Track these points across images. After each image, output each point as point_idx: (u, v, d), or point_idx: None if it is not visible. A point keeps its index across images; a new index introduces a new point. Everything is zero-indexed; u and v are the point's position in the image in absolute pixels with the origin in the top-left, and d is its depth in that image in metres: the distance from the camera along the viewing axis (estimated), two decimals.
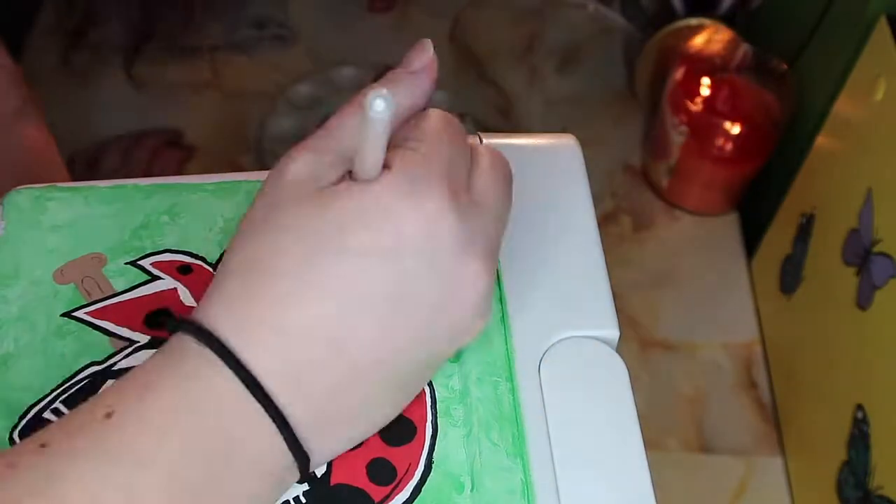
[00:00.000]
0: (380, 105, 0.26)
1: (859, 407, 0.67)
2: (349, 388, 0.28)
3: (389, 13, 1.10)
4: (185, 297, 0.35)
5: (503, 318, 0.35)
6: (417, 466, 0.32)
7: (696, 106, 0.87)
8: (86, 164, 0.95)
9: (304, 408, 0.28)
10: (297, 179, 0.29)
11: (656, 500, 0.32)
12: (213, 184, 0.39)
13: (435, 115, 0.30)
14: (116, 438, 0.25)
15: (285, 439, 0.27)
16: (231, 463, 0.27)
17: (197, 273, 0.36)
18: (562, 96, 1.03)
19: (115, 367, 0.33)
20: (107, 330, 0.35)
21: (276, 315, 0.27)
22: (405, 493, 0.31)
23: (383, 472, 0.32)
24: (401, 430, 0.32)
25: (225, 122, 0.97)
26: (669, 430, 0.81)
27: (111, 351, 0.34)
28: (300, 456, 0.28)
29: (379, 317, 0.28)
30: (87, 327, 0.35)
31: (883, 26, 0.68)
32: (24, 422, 0.32)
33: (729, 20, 0.93)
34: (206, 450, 0.26)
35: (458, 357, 0.34)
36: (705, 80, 0.88)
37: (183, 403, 0.26)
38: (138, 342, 0.34)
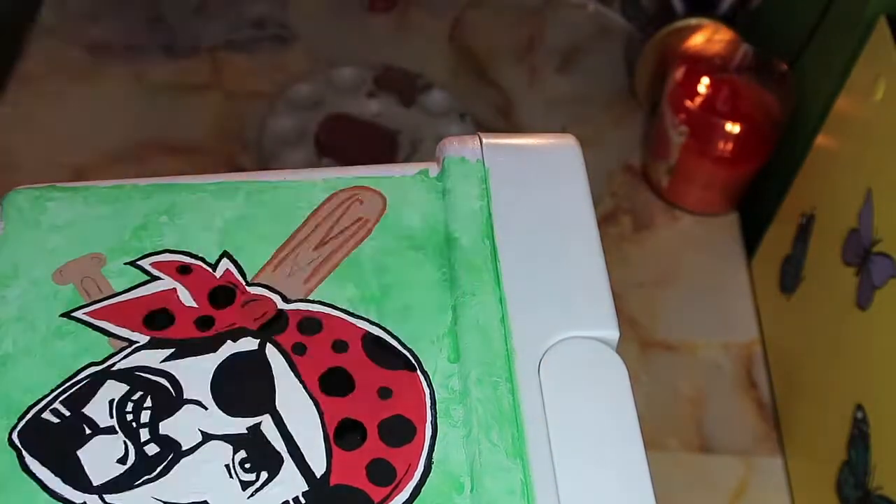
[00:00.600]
0: None
1: (859, 407, 0.67)
2: None
3: (390, 13, 1.10)
4: (185, 297, 0.35)
5: (503, 318, 0.35)
6: (417, 467, 0.32)
7: (695, 106, 0.87)
8: (86, 164, 0.95)
9: None
10: None
11: (656, 500, 0.32)
12: (213, 184, 0.39)
13: None
14: None
15: None
16: None
17: (196, 273, 0.36)
18: (562, 96, 1.03)
19: (114, 368, 0.34)
20: (106, 330, 0.34)
21: None
22: (405, 494, 0.31)
23: (383, 473, 0.31)
24: (401, 431, 0.32)
25: (225, 122, 0.97)
26: (669, 430, 0.81)
27: (111, 351, 0.34)
28: None
29: None
30: (86, 328, 0.35)
31: (883, 26, 0.68)
32: (23, 422, 0.32)
33: (729, 20, 0.93)
34: None
35: (457, 357, 0.34)
36: (705, 80, 0.88)
37: None
38: (138, 342, 0.34)
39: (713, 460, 0.80)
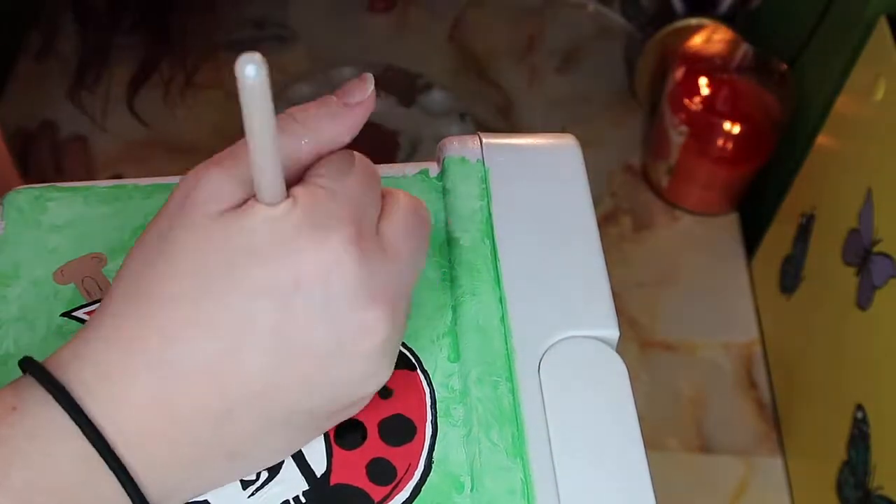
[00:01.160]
0: (251, 71, 0.24)
1: (859, 407, 0.67)
2: (227, 423, 0.27)
3: (390, 13, 1.10)
4: None
5: (503, 317, 0.35)
6: (417, 466, 0.32)
7: (695, 106, 0.87)
8: (85, 163, 0.95)
9: (168, 452, 0.27)
10: (200, 199, 0.27)
11: (656, 500, 0.32)
12: None
13: (348, 155, 0.29)
14: None
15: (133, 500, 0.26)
16: None
17: None
18: (562, 96, 1.03)
19: None
20: None
21: (157, 349, 0.26)
22: (405, 493, 0.31)
23: (383, 472, 0.32)
24: (401, 431, 0.32)
25: (225, 122, 0.97)
26: (669, 431, 0.81)
27: None
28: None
29: (265, 354, 0.26)
30: None
31: (883, 26, 0.68)
32: None
33: (729, 20, 0.93)
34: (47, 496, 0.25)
35: (457, 357, 0.34)
36: (705, 80, 0.88)
37: (21, 461, 0.25)
38: None
39: (713, 460, 0.80)
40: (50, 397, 0.26)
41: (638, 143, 1.00)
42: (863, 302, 0.67)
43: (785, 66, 0.85)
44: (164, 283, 0.26)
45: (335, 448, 0.32)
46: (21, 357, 0.27)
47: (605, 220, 0.93)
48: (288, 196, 0.27)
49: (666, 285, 0.90)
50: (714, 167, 0.90)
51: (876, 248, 0.66)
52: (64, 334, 0.34)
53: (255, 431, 0.28)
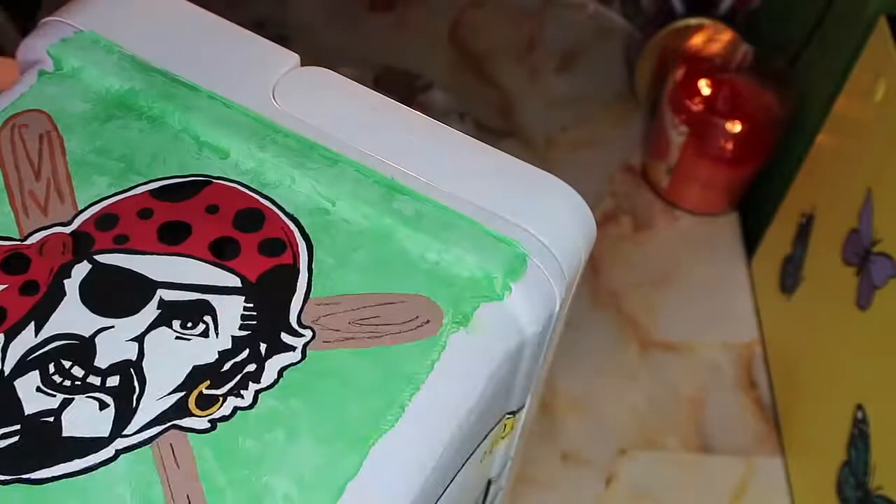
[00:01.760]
0: None
1: (859, 407, 0.67)
2: None
3: (390, 13, 1.10)
4: None
5: None
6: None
7: (696, 106, 0.87)
8: None
9: None
10: None
11: None
12: None
13: None
14: None
15: None
16: None
17: None
18: (562, 96, 1.03)
19: (5, 373, 0.34)
20: None
21: None
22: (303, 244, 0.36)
23: (273, 247, 0.36)
24: (250, 217, 0.37)
25: None
26: (669, 430, 0.81)
27: None
28: None
29: None
30: None
31: (883, 26, 0.68)
32: None
33: (729, 20, 0.93)
34: None
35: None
36: (705, 80, 0.88)
37: None
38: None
39: (713, 460, 0.80)
40: None
41: (638, 143, 1.00)
42: (863, 302, 0.67)
43: (785, 66, 0.85)
44: None
45: (227, 264, 0.35)
46: None
47: (605, 220, 0.93)
48: None
49: (666, 285, 0.90)
50: (714, 167, 0.90)
51: (876, 248, 0.66)
52: None
53: None
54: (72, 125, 0.39)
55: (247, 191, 0.38)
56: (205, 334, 0.34)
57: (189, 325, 0.34)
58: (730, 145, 0.88)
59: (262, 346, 0.33)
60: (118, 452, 0.30)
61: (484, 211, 0.38)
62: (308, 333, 0.34)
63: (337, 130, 0.40)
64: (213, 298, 0.35)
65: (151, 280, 0.35)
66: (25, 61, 0.41)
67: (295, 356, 0.33)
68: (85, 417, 0.31)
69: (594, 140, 0.99)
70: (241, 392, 0.32)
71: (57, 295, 0.35)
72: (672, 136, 0.90)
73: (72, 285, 0.35)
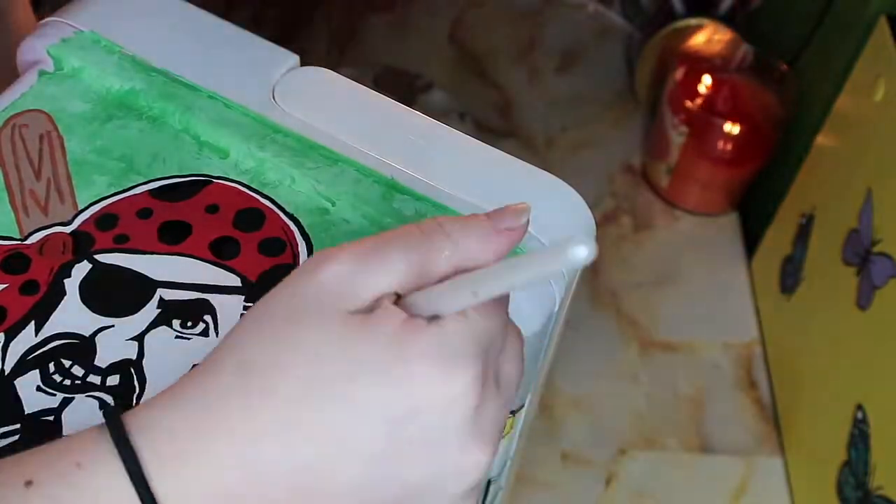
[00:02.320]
0: (582, 252, 0.22)
1: (859, 407, 0.67)
2: None
3: (390, 13, 1.10)
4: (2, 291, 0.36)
5: None
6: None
7: (695, 106, 0.87)
8: None
9: None
10: (328, 289, 0.26)
11: None
12: None
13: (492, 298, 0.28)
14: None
15: None
16: None
17: None
18: (562, 96, 1.03)
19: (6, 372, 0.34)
20: None
21: (245, 442, 0.24)
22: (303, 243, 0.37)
23: (272, 247, 0.36)
24: (251, 217, 0.38)
25: None
26: (669, 430, 0.81)
27: None
28: None
29: (359, 475, 0.25)
30: None
31: (883, 26, 0.68)
32: None
33: (729, 20, 0.93)
34: None
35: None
36: (705, 80, 0.88)
37: None
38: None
39: (713, 460, 0.80)
40: (119, 465, 0.24)
41: (638, 143, 1.00)
42: (863, 302, 0.67)
43: (785, 67, 0.85)
44: (275, 374, 0.25)
45: (226, 263, 0.36)
46: None
47: (605, 220, 0.93)
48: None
49: (666, 285, 0.90)
50: (714, 167, 0.90)
51: (876, 248, 0.66)
52: None
53: None
54: (72, 125, 0.39)
55: (247, 190, 0.38)
56: (205, 333, 0.34)
57: (189, 324, 0.34)
58: (729, 145, 0.88)
59: None
60: None
61: (483, 211, 0.38)
62: None
63: (337, 130, 0.40)
64: (213, 298, 0.35)
65: (151, 279, 0.35)
66: (25, 61, 0.42)
67: None
68: (85, 416, 0.31)
69: (594, 140, 0.99)
70: None
71: (57, 294, 0.35)
72: (672, 136, 0.90)
73: (72, 285, 0.35)
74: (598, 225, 0.38)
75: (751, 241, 0.92)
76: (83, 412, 0.32)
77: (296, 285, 0.26)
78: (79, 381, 0.33)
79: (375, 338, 0.25)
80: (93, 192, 0.38)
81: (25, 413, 0.32)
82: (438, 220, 0.27)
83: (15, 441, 0.31)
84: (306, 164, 0.39)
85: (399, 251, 0.26)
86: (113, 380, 0.33)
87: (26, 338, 0.34)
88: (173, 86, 0.41)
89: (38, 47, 0.41)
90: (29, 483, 0.24)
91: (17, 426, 0.32)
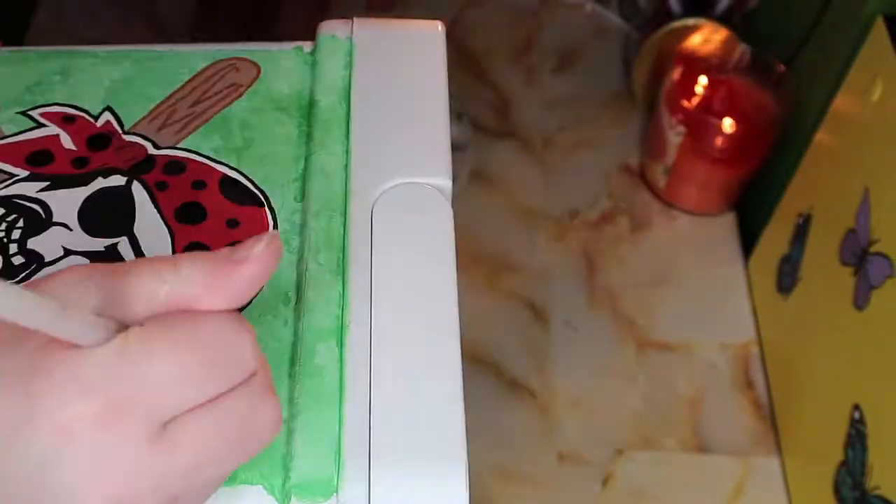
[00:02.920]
0: None
1: (856, 407, 0.67)
2: None
3: (388, 13, 1.10)
4: (66, 141, 0.40)
5: (346, 166, 0.39)
6: None
7: (692, 106, 0.87)
8: None
9: None
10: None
11: (459, 330, 0.34)
12: (105, 51, 0.44)
13: (186, 326, 0.25)
14: None
15: None
16: None
17: (79, 122, 0.41)
18: (559, 96, 1.03)
19: None
20: None
21: None
22: None
23: None
24: None
25: None
26: (666, 430, 0.81)
27: None
28: None
29: None
30: None
31: (880, 27, 0.68)
32: None
33: (726, 20, 0.93)
34: None
35: (302, 198, 0.39)
36: (702, 80, 0.88)
37: None
38: (18, 175, 0.39)
39: (710, 460, 0.80)
40: None
41: (635, 143, 1.00)
42: (860, 302, 0.67)
43: (782, 67, 0.85)
44: None
45: None
46: None
47: (603, 220, 0.93)
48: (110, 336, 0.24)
49: (663, 285, 0.90)
50: (711, 167, 0.90)
51: (873, 248, 0.66)
52: None
53: None
54: (261, 94, 0.42)
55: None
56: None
57: None
58: (727, 145, 0.88)
59: None
60: None
61: None
62: None
63: None
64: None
65: (130, 228, 0.38)
66: (322, 35, 0.44)
67: None
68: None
69: (591, 140, 0.99)
70: None
71: (82, 181, 0.39)
72: (669, 136, 0.90)
73: (95, 185, 0.39)
74: (595, 225, 0.39)
75: (748, 242, 0.92)
76: None
77: None
78: (3, 240, 0.37)
79: (18, 353, 0.24)
80: (203, 145, 0.40)
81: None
82: (177, 256, 0.26)
83: None
84: None
85: (105, 276, 0.25)
86: (18, 259, 0.36)
87: (29, 187, 0.38)
88: None
89: (325, 30, 0.44)
90: None
91: None
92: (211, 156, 0.40)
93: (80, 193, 0.38)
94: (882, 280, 0.64)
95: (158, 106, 0.41)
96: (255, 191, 0.39)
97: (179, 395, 0.25)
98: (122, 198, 0.38)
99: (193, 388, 0.25)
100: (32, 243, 0.36)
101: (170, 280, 0.25)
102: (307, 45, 0.44)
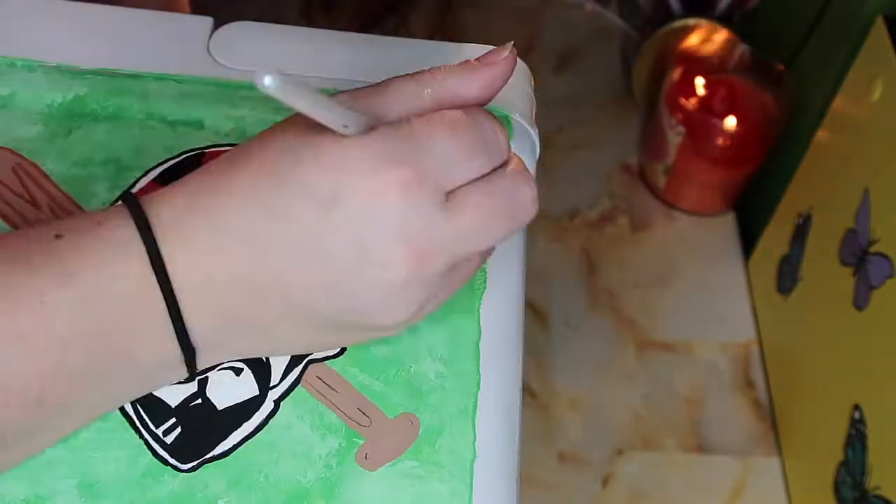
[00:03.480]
0: (266, 80, 0.25)
1: (856, 407, 0.67)
2: (257, 297, 0.29)
3: (387, 13, 1.10)
4: None
5: None
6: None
7: (692, 106, 0.87)
8: None
9: (209, 318, 0.29)
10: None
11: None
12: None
13: (457, 114, 0.30)
14: (58, 258, 0.28)
15: (181, 347, 0.29)
16: (118, 347, 0.29)
17: None
18: (559, 96, 1.03)
19: None
20: None
21: (218, 213, 0.29)
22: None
23: None
24: None
25: None
26: (666, 431, 0.81)
27: None
28: (188, 356, 0.30)
29: (292, 246, 0.29)
30: None
31: (880, 27, 0.68)
32: None
33: (726, 20, 0.93)
34: (99, 318, 0.28)
35: None
36: (702, 81, 0.88)
37: (93, 275, 0.28)
38: None
39: (710, 460, 0.80)
40: (131, 221, 0.28)
41: (635, 143, 1.00)
42: (860, 302, 0.67)
43: (782, 67, 0.85)
44: (250, 164, 0.29)
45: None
46: None
47: (603, 221, 0.93)
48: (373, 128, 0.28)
49: (663, 285, 0.90)
50: (711, 167, 0.90)
51: (873, 249, 0.66)
52: None
53: (281, 314, 0.30)
54: (37, 149, 0.38)
55: None
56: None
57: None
58: (727, 145, 0.88)
59: None
60: (276, 402, 0.32)
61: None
62: None
63: (288, 68, 0.41)
64: None
65: None
66: None
67: None
68: (229, 388, 0.33)
69: (591, 140, 0.99)
70: None
71: None
72: (669, 136, 0.90)
73: None
74: (595, 225, 0.39)
75: (748, 242, 0.92)
76: (225, 384, 0.33)
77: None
78: None
79: (320, 143, 0.28)
80: (99, 200, 0.37)
81: (173, 407, 0.33)
82: (428, 69, 0.30)
83: (179, 433, 0.32)
84: (283, 107, 0.39)
85: (366, 94, 0.29)
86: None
87: None
88: (115, 80, 0.40)
89: None
90: (58, 236, 0.29)
91: (173, 420, 0.33)
92: (119, 192, 0.39)
93: None
94: (882, 280, 0.64)
95: None
96: None
97: (459, 168, 0.29)
98: None
99: (469, 162, 0.29)
100: None
101: (430, 83, 0.30)
102: None
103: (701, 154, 0.89)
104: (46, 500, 0.30)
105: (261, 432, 0.32)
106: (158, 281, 0.28)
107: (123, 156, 0.38)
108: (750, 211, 0.94)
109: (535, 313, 0.86)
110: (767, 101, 0.86)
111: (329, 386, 0.33)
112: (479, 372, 0.33)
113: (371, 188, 0.28)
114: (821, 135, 0.78)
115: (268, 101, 0.40)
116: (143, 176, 0.38)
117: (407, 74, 0.30)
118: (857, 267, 0.68)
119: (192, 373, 0.31)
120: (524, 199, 0.30)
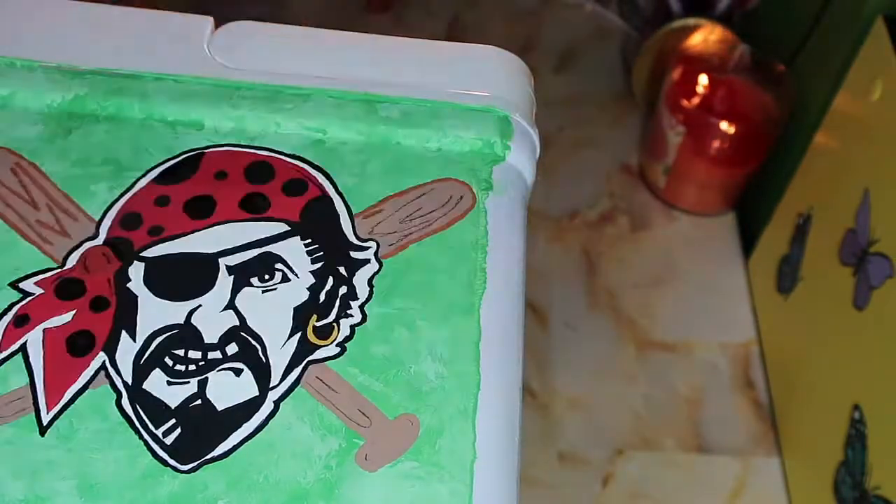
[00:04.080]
0: None
1: (856, 407, 0.67)
2: None
3: (387, 13, 1.10)
4: None
5: None
6: None
7: (693, 106, 0.87)
8: None
9: None
10: None
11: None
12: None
13: None
14: None
15: None
16: None
17: None
18: (559, 96, 1.03)
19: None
20: None
21: None
22: None
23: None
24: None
25: None
26: (666, 430, 0.81)
27: None
28: None
29: None
30: None
31: (880, 27, 0.68)
32: None
33: (726, 20, 0.93)
34: None
35: None
36: (702, 80, 0.88)
37: None
38: None
39: (710, 460, 0.80)
40: None
41: (635, 143, 1.00)
42: (860, 302, 0.67)
43: (782, 67, 0.85)
44: None
45: None
46: None
47: (603, 221, 0.93)
48: None
49: (663, 285, 0.90)
50: (711, 167, 0.90)
51: (873, 249, 0.66)
52: None
53: None
54: (37, 149, 0.39)
55: (241, 148, 0.39)
56: (286, 279, 0.35)
57: (266, 277, 0.35)
58: (727, 145, 0.88)
59: (341, 268, 0.35)
60: (276, 403, 0.32)
61: (452, 93, 0.41)
62: (372, 244, 0.36)
63: (290, 68, 0.41)
64: (272, 248, 0.36)
65: (208, 254, 0.36)
66: None
67: (373, 266, 0.35)
68: (228, 389, 0.33)
69: (591, 140, 0.99)
70: (348, 312, 0.34)
71: (130, 300, 0.35)
72: (669, 136, 0.90)
73: (137, 286, 0.35)
74: (595, 225, 0.39)
75: (748, 242, 0.92)
76: (225, 385, 0.33)
77: None
78: (202, 362, 0.33)
79: None
80: (99, 201, 0.37)
81: (173, 408, 0.32)
82: None
83: (179, 434, 0.32)
84: (283, 106, 0.39)
85: None
86: (231, 348, 0.34)
87: (127, 347, 0.34)
88: (115, 80, 0.40)
89: None
90: None
91: (173, 420, 0.32)
92: (119, 193, 0.38)
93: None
94: (882, 280, 0.64)
95: (26, 238, 0.37)
96: None
97: None
98: (163, 265, 0.36)
99: None
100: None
101: None
102: None
103: (701, 154, 0.89)
104: (45, 500, 0.30)
105: (261, 433, 0.32)
106: None
107: (123, 156, 0.39)
108: (750, 211, 0.94)
109: (535, 313, 0.87)
110: (767, 101, 0.86)
111: (329, 387, 0.32)
112: (479, 372, 0.33)
113: None
114: (821, 134, 0.78)
115: (268, 100, 0.40)
116: (143, 176, 0.38)
117: None
118: (857, 267, 0.68)
119: None
120: None
